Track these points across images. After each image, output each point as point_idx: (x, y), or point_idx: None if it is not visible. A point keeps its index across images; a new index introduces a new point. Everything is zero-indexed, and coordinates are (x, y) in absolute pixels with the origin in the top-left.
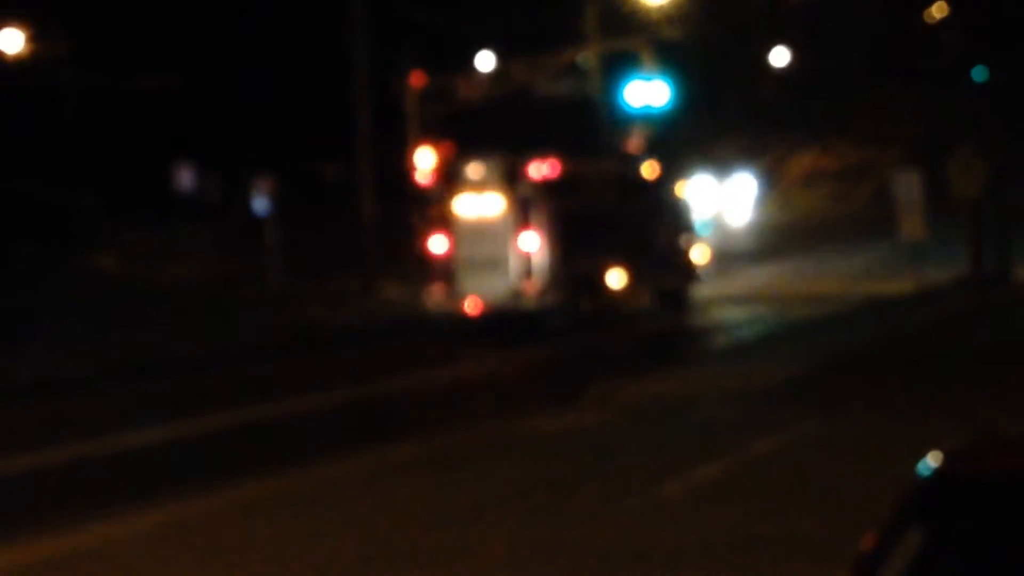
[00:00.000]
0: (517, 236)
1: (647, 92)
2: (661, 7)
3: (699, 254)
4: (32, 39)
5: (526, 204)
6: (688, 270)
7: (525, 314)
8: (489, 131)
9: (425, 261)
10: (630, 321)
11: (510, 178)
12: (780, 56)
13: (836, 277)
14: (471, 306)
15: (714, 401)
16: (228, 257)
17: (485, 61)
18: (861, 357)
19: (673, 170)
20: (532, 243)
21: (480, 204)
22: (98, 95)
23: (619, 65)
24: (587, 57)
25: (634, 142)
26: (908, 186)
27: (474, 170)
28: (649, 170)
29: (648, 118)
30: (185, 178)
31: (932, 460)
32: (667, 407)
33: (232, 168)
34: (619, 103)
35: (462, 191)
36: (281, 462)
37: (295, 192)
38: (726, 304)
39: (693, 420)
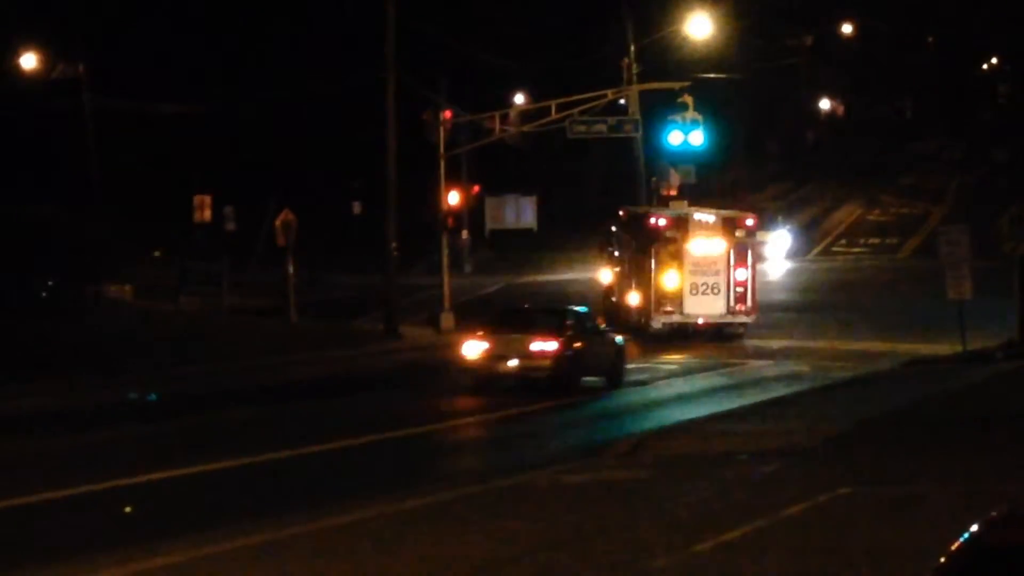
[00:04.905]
0: (735, 269)
1: (686, 133)
2: (704, 48)
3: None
4: (50, 59)
5: (742, 246)
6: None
7: (733, 327)
8: (520, 170)
9: (660, 288)
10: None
11: (730, 226)
12: (827, 103)
13: (878, 333)
14: (697, 321)
15: (750, 459)
16: (246, 292)
17: (521, 99)
18: (901, 418)
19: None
20: (744, 275)
21: (707, 245)
22: (118, 120)
23: (658, 105)
24: (627, 97)
25: (671, 186)
26: (955, 242)
27: (702, 218)
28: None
29: (686, 157)
30: (205, 209)
31: (973, 528)
32: (701, 463)
33: (254, 200)
34: (658, 142)
35: (692, 234)
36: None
37: (318, 226)
38: (768, 357)
39: (728, 478)
